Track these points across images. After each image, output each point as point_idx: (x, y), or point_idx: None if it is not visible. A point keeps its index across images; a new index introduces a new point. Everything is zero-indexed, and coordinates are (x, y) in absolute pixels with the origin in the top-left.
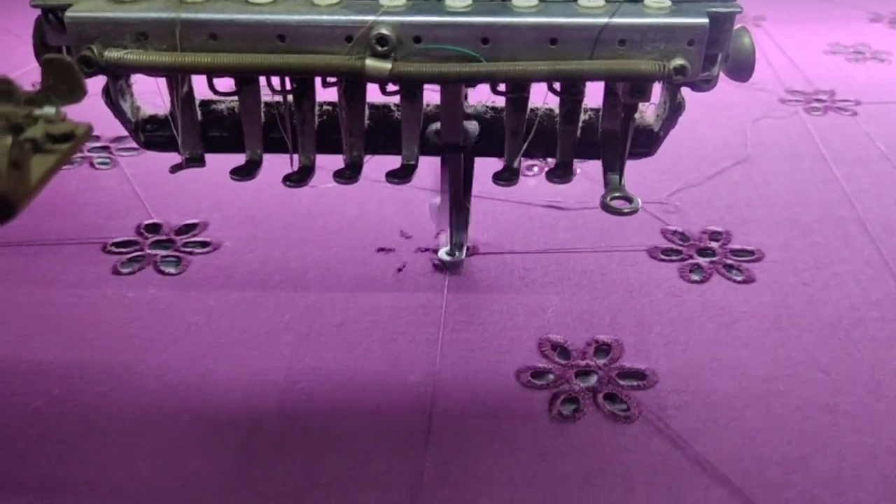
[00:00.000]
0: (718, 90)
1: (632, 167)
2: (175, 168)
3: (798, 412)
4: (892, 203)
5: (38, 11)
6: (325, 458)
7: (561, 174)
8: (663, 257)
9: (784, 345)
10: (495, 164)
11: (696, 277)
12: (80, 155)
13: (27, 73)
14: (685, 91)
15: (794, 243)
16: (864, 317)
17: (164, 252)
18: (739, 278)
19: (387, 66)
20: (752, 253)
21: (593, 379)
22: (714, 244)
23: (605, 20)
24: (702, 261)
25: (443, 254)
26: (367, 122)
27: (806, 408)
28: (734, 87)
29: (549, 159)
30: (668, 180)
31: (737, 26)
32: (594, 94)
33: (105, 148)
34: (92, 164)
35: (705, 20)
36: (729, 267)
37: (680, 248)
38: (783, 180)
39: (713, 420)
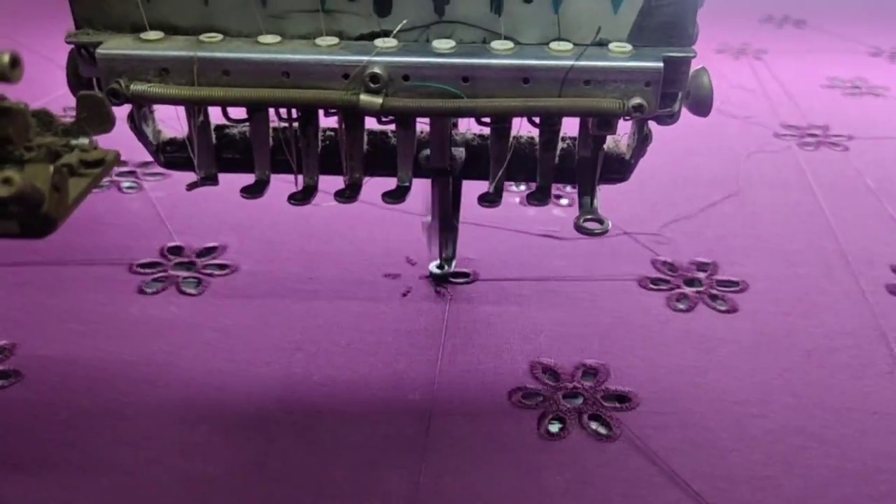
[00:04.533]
0: (716, 124)
1: (626, 199)
2: (191, 186)
3: (770, 434)
4: (875, 236)
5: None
6: (331, 466)
7: (540, 197)
8: (652, 286)
9: (760, 371)
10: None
11: (681, 306)
12: (108, 179)
13: (60, 98)
14: (679, 120)
15: (778, 274)
16: (838, 345)
17: (185, 273)
18: (723, 308)
19: (378, 101)
20: (736, 284)
21: (579, 400)
22: (701, 275)
23: (571, 63)
24: (688, 290)
25: (433, 267)
26: (365, 147)
27: (778, 430)
28: (731, 121)
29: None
30: (662, 212)
31: (697, 67)
32: (574, 124)
33: (132, 173)
34: (119, 189)
35: (660, 64)
36: (714, 297)
37: (668, 277)
38: (771, 213)
39: (689, 440)
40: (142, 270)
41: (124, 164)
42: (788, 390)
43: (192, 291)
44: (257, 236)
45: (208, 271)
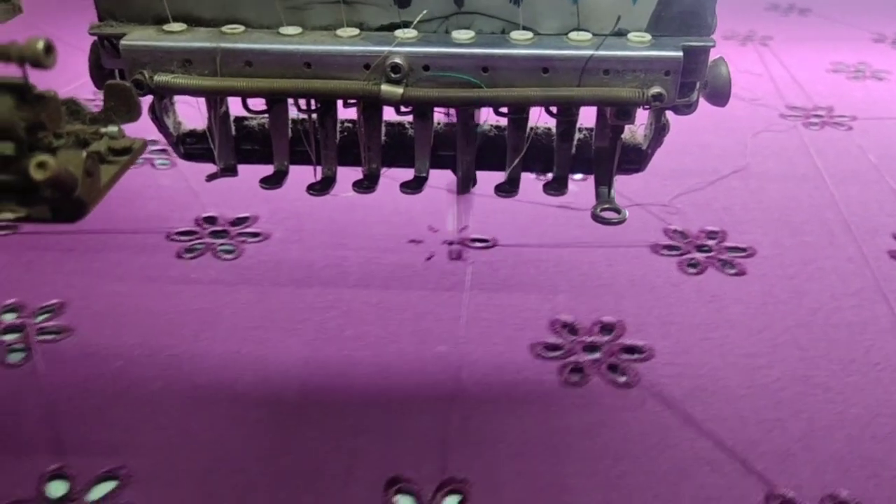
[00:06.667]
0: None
1: (640, 174)
2: (211, 177)
3: (777, 383)
4: (876, 208)
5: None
6: (367, 411)
7: (556, 187)
8: (664, 252)
9: (768, 327)
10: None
11: (692, 270)
12: (142, 156)
13: (88, 84)
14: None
15: (784, 241)
16: (842, 305)
17: (220, 241)
18: (732, 271)
19: (399, 90)
20: (744, 250)
21: (597, 353)
22: (710, 241)
23: (590, 52)
24: (699, 256)
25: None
26: (383, 138)
27: (784, 379)
28: (738, 103)
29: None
30: (673, 185)
31: (715, 57)
32: (590, 115)
33: (164, 150)
34: (153, 165)
35: (680, 53)
36: (723, 261)
37: (679, 244)
38: (777, 186)
39: (702, 388)
40: (179, 238)
41: (155, 142)
42: (795, 344)
43: (228, 257)
44: (287, 207)
45: (242, 239)
